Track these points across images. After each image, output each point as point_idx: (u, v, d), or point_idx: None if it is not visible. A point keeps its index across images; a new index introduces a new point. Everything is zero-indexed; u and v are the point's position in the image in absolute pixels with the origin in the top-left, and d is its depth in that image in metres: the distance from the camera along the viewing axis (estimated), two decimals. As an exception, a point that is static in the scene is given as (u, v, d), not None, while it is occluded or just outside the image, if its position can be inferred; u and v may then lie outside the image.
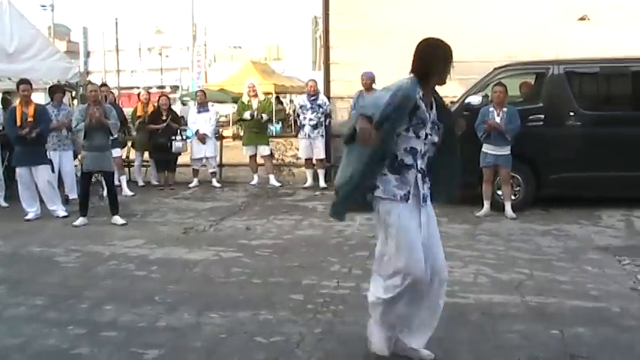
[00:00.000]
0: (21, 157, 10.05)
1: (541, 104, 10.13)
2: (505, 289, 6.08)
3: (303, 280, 6.46)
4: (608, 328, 5.06)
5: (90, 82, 12.37)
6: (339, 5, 13.64)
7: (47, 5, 55.20)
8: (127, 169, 13.82)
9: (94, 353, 4.74)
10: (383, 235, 4.27)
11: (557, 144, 9.83)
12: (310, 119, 12.74)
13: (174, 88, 58.85)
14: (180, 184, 13.46)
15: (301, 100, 13.42)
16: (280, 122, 28.73)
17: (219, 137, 15.24)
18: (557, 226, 8.88)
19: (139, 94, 14.77)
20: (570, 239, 8.20)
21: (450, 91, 7.56)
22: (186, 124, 14.26)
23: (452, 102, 9.73)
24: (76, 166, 11.22)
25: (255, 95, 13.54)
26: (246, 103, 13.50)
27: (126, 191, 12.31)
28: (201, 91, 16.51)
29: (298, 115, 13.33)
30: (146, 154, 13.85)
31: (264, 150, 13.44)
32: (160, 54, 69.92)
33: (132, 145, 14.44)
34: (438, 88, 4.28)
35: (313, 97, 12.84)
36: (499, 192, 9.81)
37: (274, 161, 13.91)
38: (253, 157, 13.56)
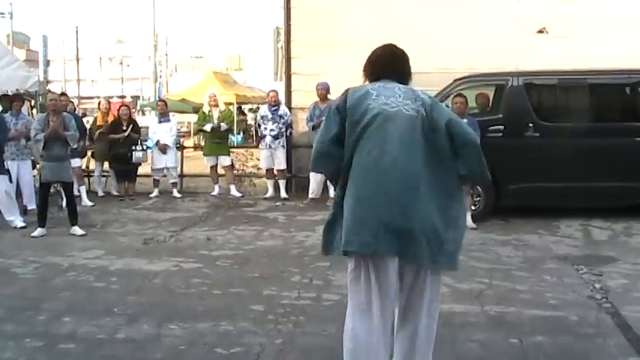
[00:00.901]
0: (-23, 166, 9.87)
1: (500, 115, 10.26)
2: (465, 298, 6.12)
3: (264, 290, 6.43)
4: (566, 336, 5.12)
5: (49, 91, 12.25)
6: (300, 16, 13.64)
7: (6, 13, 54.43)
8: (86, 179, 13.65)
9: (52, 366, 4.65)
10: None
11: (516, 155, 9.93)
12: (271, 130, 12.70)
13: (135, 98, 58.39)
14: (140, 195, 13.35)
15: (262, 110, 13.41)
16: (242, 132, 28.71)
17: (180, 147, 15.21)
18: (516, 236, 8.98)
19: (99, 104, 14.64)
20: (529, 249, 8.29)
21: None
22: (147, 134, 14.18)
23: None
24: (34, 176, 11.07)
25: (216, 105, 13.54)
26: (207, 113, 13.47)
27: (85, 201, 12.15)
28: (162, 100, 16.43)
29: (259, 126, 13.31)
30: (106, 164, 13.72)
31: (225, 160, 13.42)
32: (121, 63, 69.26)
33: (92, 155, 14.29)
34: None
35: (274, 108, 12.81)
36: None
37: (235, 172, 13.88)
38: (214, 167, 13.52)
